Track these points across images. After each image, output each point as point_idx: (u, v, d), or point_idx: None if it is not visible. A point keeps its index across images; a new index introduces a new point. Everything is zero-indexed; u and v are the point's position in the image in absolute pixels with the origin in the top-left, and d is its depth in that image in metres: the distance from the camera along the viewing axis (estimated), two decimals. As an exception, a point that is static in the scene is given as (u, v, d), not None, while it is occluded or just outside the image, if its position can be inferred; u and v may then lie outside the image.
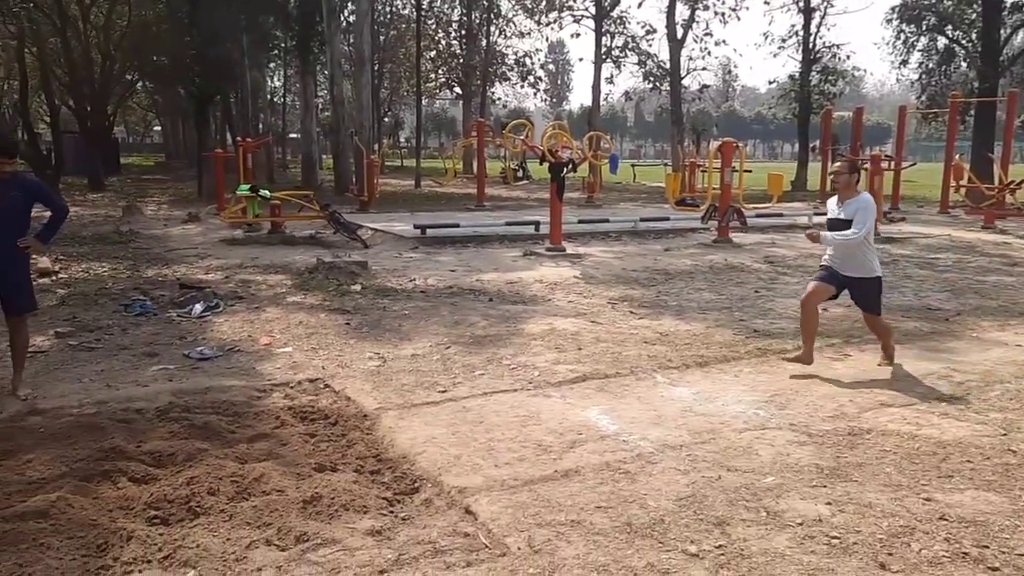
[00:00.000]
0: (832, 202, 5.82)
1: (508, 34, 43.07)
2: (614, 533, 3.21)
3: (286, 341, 6.59)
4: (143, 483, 3.71)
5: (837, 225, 5.61)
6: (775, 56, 77.05)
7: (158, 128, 65.83)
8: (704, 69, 63.25)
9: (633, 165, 31.78)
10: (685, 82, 33.52)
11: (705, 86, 36.63)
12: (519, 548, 3.08)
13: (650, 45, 43.56)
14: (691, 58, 33.71)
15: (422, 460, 4.01)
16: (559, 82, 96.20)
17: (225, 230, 14.56)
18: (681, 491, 3.61)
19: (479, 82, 41.56)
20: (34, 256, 5.25)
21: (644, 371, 5.67)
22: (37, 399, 4.91)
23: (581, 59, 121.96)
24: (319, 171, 27.90)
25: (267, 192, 14.38)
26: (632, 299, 8.53)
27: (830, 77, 31.41)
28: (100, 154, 26.71)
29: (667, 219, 16.09)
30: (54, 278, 9.30)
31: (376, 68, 35.41)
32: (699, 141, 28.09)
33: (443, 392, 5.18)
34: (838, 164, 5.82)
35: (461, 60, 42.23)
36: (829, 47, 31.73)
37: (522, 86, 45.52)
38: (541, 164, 13.17)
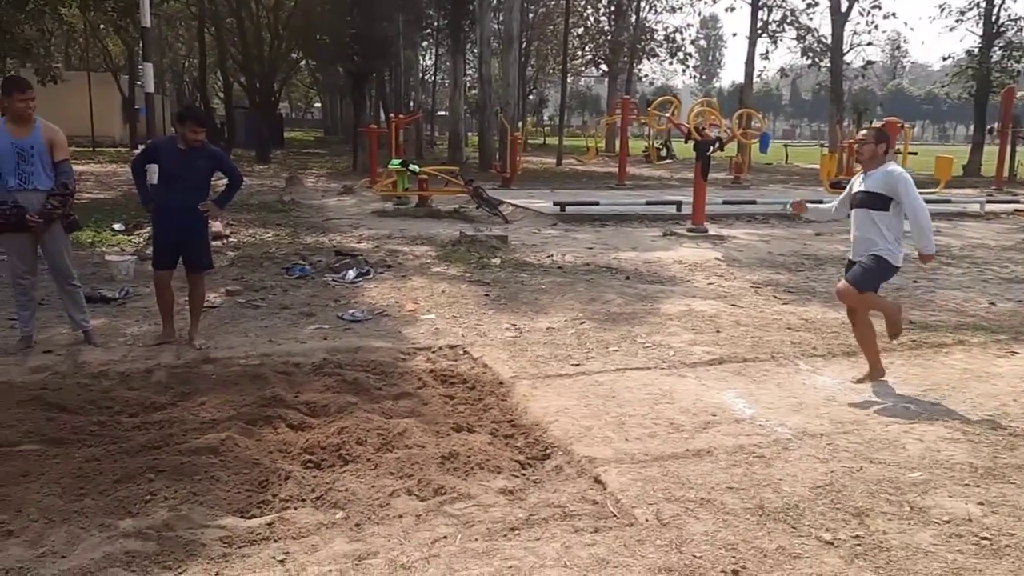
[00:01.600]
0: (856, 179, 5.14)
1: (659, 9, 42.17)
2: (745, 514, 3.18)
3: (429, 308, 6.88)
4: (299, 430, 4.04)
5: (866, 200, 4.91)
6: (951, 30, 70.76)
7: (318, 105, 69.53)
8: (869, 44, 59.30)
9: (786, 145, 30.41)
10: (847, 58, 31.59)
11: (870, 62, 34.31)
12: (647, 520, 3.12)
13: (810, 19, 41.27)
14: (855, 32, 31.85)
15: (554, 429, 4.11)
16: (710, 58, 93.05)
17: (376, 202, 15.27)
18: (818, 479, 3.51)
19: (626, 59, 40.97)
20: (209, 220, 5.77)
21: (786, 357, 5.50)
22: (210, 349, 5.41)
23: (735, 34, 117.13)
24: (464, 148, 28.58)
25: (416, 167, 14.94)
26: (777, 284, 8.24)
27: (1014, 53, 28.53)
28: (267, 128, 28.61)
29: (820, 202, 15.29)
30: (225, 241, 10.14)
31: (523, 46, 35.67)
32: (860, 121, 26.43)
33: (576, 366, 5.26)
34: (863, 133, 5.12)
35: (609, 36, 41.77)
36: (1015, 20, 28.83)
37: (671, 63, 44.53)
38: (686, 142, 12.89)
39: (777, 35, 33.12)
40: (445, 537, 2.98)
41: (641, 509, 3.21)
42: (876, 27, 32.94)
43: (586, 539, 2.97)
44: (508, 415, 4.39)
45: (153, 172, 5.60)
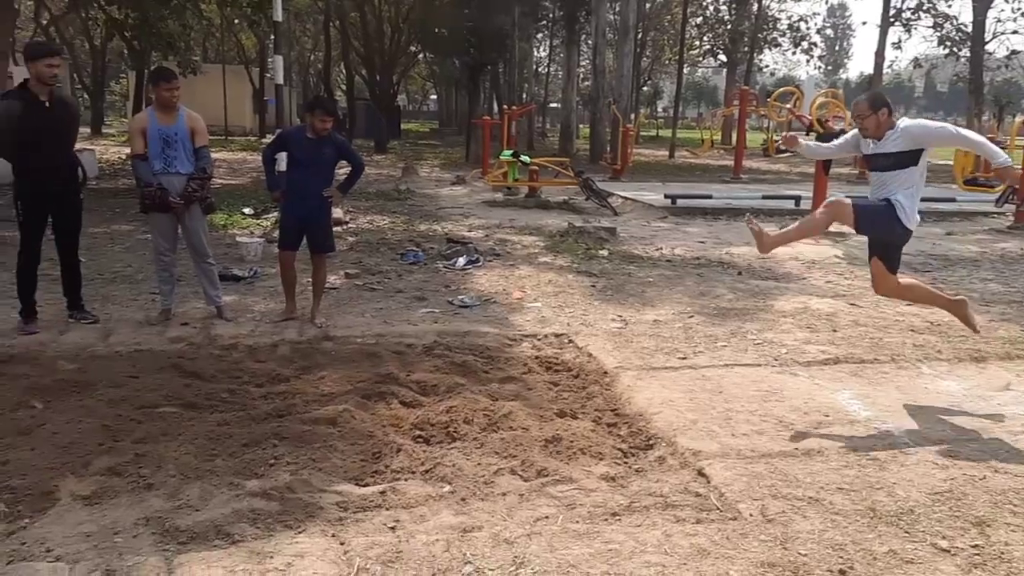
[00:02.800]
0: (861, 141, 4.64)
1: (783, -3, 40.50)
2: (855, 516, 3.08)
3: (536, 297, 6.97)
4: (411, 407, 4.21)
5: (889, 163, 4.44)
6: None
7: (434, 97, 71.06)
8: (1015, 32, 54.83)
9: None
10: (989, 47, 29.40)
11: (1015, 52, 31.82)
12: (751, 515, 3.08)
13: (949, 5, 38.58)
14: (999, 20, 29.53)
15: (658, 420, 4.10)
16: (837, 48, 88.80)
17: (487, 192, 15.51)
18: (936, 485, 3.36)
19: (746, 49, 39.68)
20: (332, 205, 6.07)
21: (907, 360, 5.25)
22: (330, 327, 5.70)
23: (864, 23, 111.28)
24: (575, 140, 28.55)
25: (527, 158, 15.08)
26: (900, 284, 7.84)
27: None
28: (385, 120, 29.54)
29: (953, 200, 14.41)
30: (345, 227, 10.58)
31: (639, 37, 35.19)
32: (1002, 115, 24.59)
33: (683, 359, 5.21)
34: (856, 104, 4.58)
35: (729, 26, 40.56)
36: None
37: (794, 53, 42.78)
38: (808, 135, 12.40)
39: (911, 23, 31.28)
40: (547, 517, 3.05)
41: (745, 504, 3.17)
42: (1023, 14, 30.35)
43: (687, 529, 2.97)
44: (612, 404, 4.42)
45: (282, 160, 5.93)
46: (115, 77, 42.49)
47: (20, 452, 3.46)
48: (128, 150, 16.07)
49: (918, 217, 4.54)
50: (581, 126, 35.91)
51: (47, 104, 5.26)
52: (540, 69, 49.31)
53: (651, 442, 3.90)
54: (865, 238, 4.93)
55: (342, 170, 5.87)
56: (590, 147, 25.65)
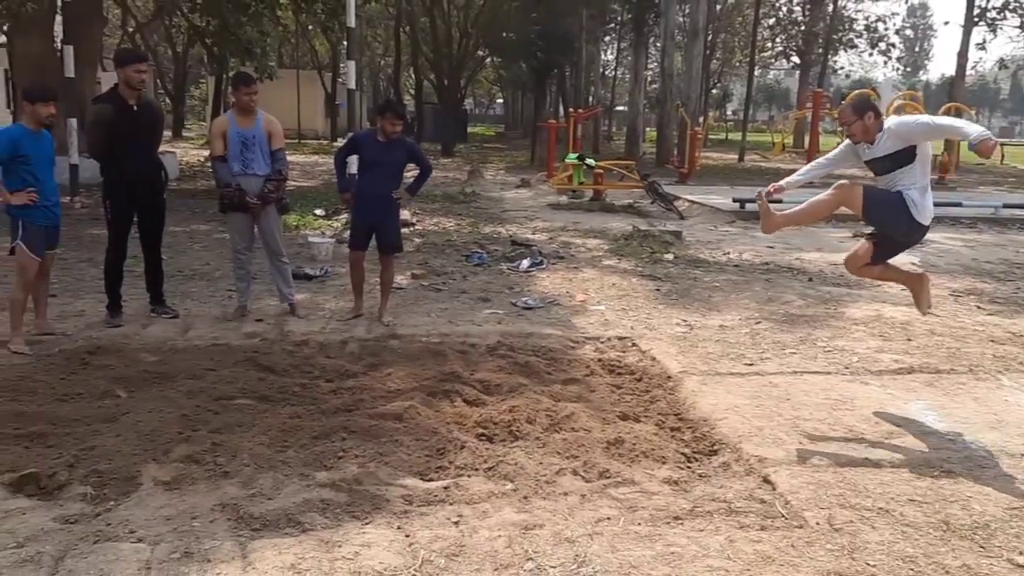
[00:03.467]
0: (855, 148, 4.46)
1: (860, -3, 39.39)
2: (927, 528, 3.00)
3: (599, 300, 6.96)
4: (474, 405, 4.27)
5: (887, 164, 4.28)
6: None
7: (500, 100, 71.51)
8: (1113, 30, 51.98)
9: (1001, 144, 27.43)
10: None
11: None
12: (818, 523, 3.03)
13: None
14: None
15: (722, 426, 4.06)
16: (916, 49, 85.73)
17: (552, 195, 15.54)
18: (1015, 500, 3.23)
19: (820, 50, 38.68)
20: (400, 207, 6.20)
21: (986, 371, 5.06)
22: (396, 326, 5.82)
23: (947, 23, 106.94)
24: (641, 143, 28.32)
25: (592, 161, 15.05)
26: (981, 293, 7.55)
27: None
28: (452, 123, 29.89)
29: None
30: (412, 228, 10.77)
31: (709, 39, 34.68)
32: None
33: (749, 365, 5.13)
34: (840, 111, 4.48)
35: (802, 27, 39.62)
36: None
37: (871, 54, 41.53)
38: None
39: (997, 23, 29.96)
40: (609, 518, 3.06)
41: (812, 512, 3.12)
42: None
43: (751, 536, 2.94)
44: (675, 408, 4.39)
45: (353, 163, 6.09)
46: (195, 82, 44.14)
47: (106, 438, 3.65)
48: (207, 152, 16.64)
49: (931, 210, 4.34)
50: (648, 129, 35.60)
51: (135, 107, 5.53)
52: (607, 72, 49.11)
53: (715, 448, 3.87)
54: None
55: (410, 172, 6.00)
56: (656, 150, 25.42)
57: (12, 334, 5.01)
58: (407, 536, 2.90)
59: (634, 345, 5.62)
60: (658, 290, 7.40)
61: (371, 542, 2.84)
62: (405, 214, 11.42)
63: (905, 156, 4.23)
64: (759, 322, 6.24)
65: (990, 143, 3.93)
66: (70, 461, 3.40)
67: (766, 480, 3.45)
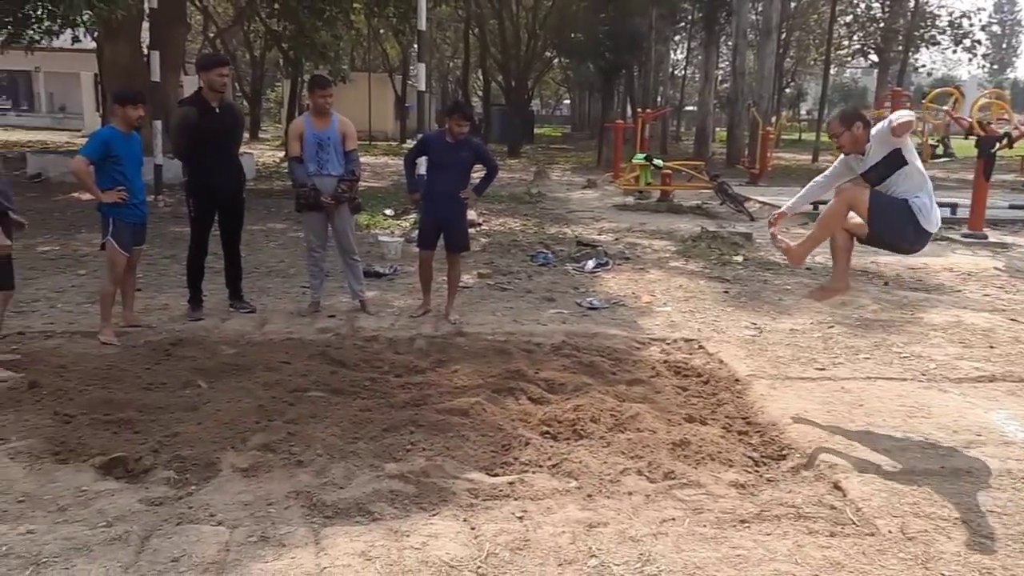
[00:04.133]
0: (850, 161, 4.28)
1: (943, -8, 37.80)
2: (1006, 540, 2.90)
3: (665, 301, 6.91)
4: (539, 403, 4.31)
5: (882, 171, 4.08)
6: None
7: (567, 101, 71.36)
8: None
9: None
10: None
11: None
12: (890, 531, 2.96)
13: None
14: None
15: (791, 431, 3.99)
16: (1004, 46, 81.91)
17: (618, 196, 15.46)
18: (1103, 516, 3.09)
19: (900, 47, 37.34)
20: (467, 206, 6.28)
21: (1075, 382, 4.83)
22: (463, 324, 5.91)
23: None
24: (711, 143, 27.88)
25: (660, 161, 14.91)
26: (1071, 300, 7.19)
27: None
28: (519, 124, 30.01)
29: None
30: (478, 228, 10.88)
31: (782, 37, 33.89)
32: None
33: (820, 370, 5.03)
34: (829, 125, 4.38)
35: (881, 24, 38.32)
36: None
37: (954, 51, 39.77)
38: (967, 138, 11.58)
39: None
40: (674, 519, 3.06)
41: (884, 520, 3.04)
42: None
43: (820, 541, 2.89)
44: (743, 412, 4.34)
45: (422, 164, 6.21)
46: (271, 85, 45.49)
47: (188, 426, 3.82)
48: (282, 154, 17.10)
49: (939, 217, 4.17)
50: (718, 129, 35.02)
51: (217, 110, 5.76)
52: (676, 72, 48.48)
53: (784, 452, 3.81)
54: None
55: (477, 173, 6.08)
56: (727, 151, 24.99)
57: (102, 325, 5.29)
58: (473, 529, 2.96)
59: (701, 347, 5.57)
60: (726, 292, 7.30)
61: (438, 533, 2.91)
62: (472, 214, 11.53)
63: (895, 159, 4.07)
64: (832, 326, 6.10)
65: (901, 122, 3.87)
66: (155, 447, 3.58)
67: (836, 486, 3.38)
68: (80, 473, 3.33)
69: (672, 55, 46.16)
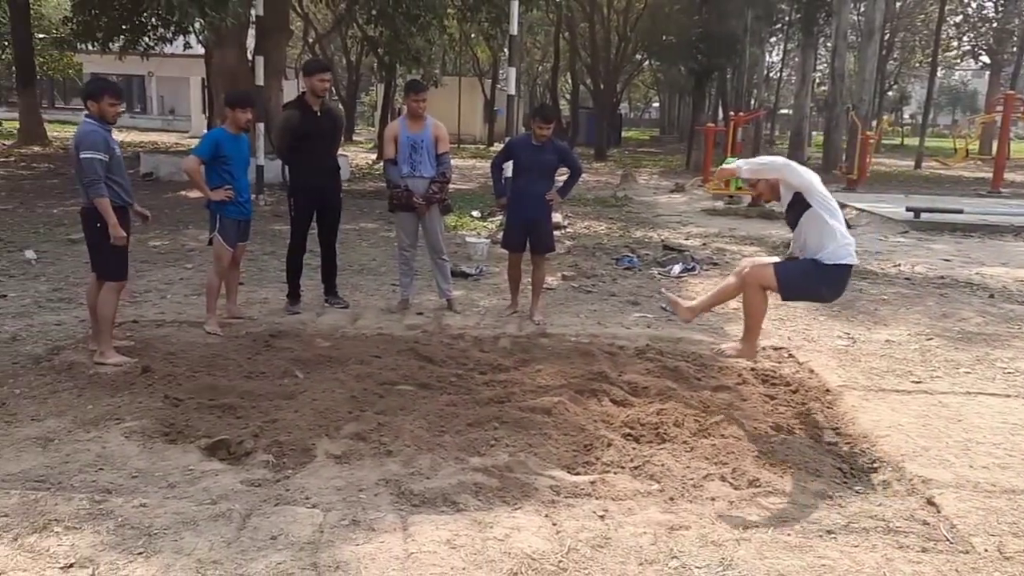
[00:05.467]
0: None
1: (1065, -12, 35.55)
2: (1116, 568, 2.75)
3: (755, 309, 6.78)
4: (621, 405, 4.32)
5: (791, 218, 4.19)
6: None
7: (656, 104, 70.56)
8: None
9: None
10: None
11: None
12: (986, 550, 2.85)
13: None
14: None
15: (884, 444, 3.88)
16: None
17: (707, 201, 15.22)
18: None
19: (1015, 49, 35.29)
20: (552, 208, 6.34)
21: None
22: (547, 325, 5.97)
23: None
24: (807, 147, 27.06)
25: (752, 166, 14.58)
26: None
27: None
28: (606, 127, 29.89)
29: None
30: (563, 231, 10.93)
31: (885, 38, 32.55)
32: None
33: (917, 383, 4.85)
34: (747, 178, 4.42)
35: (994, 24, 36.32)
36: None
37: (1074, 52, 37.24)
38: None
39: None
40: (757, 525, 3.03)
41: (980, 538, 2.93)
42: None
43: (911, 556, 2.81)
44: (833, 423, 4.24)
45: (508, 167, 6.32)
46: (365, 89, 46.78)
47: (285, 413, 4.02)
48: (374, 156, 17.59)
49: (850, 250, 4.12)
50: (814, 133, 33.93)
51: (318, 113, 6.01)
52: (771, 74, 47.21)
53: (875, 465, 3.70)
54: None
55: (561, 177, 6.13)
56: (823, 155, 24.21)
57: (207, 316, 5.60)
58: (554, 524, 3.01)
59: (790, 356, 5.46)
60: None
61: (520, 526, 2.98)
62: (557, 217, 11.60)
63: (798, 204, 4.14)
64: (930, 338, 5.87)
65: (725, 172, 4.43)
66: (255, 431, 3.79)
67: (930, 502, 3.27)
68: (187, 453, 3.57)
69: (768, 57, 44.95)
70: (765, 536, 2.93)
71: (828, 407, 4.45)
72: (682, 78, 31.69)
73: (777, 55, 46.39)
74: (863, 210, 13.34)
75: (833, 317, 6.50)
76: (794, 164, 4.22)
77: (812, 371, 5.09)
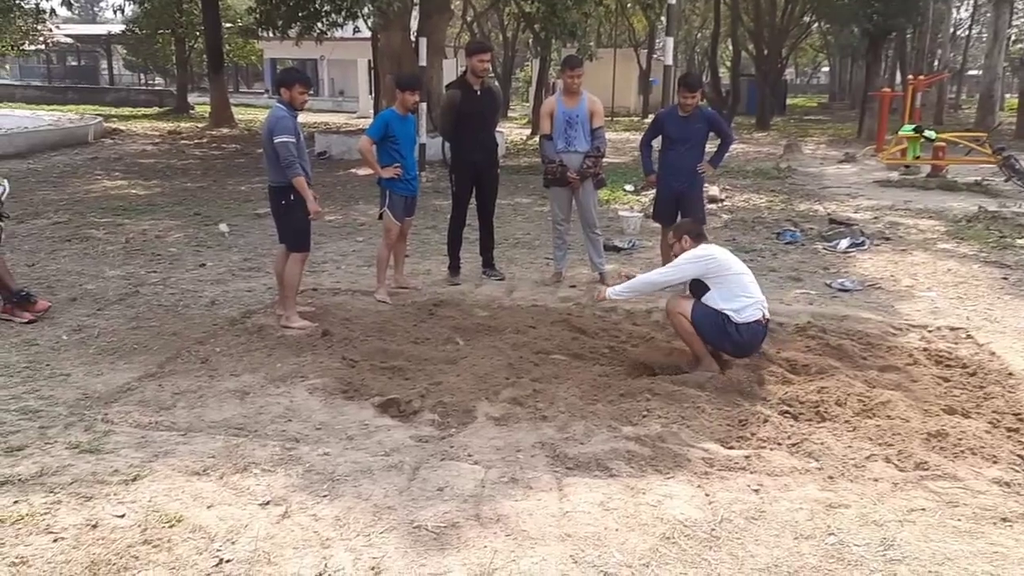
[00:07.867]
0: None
1: None
2: None
3: (930, 286, 6.37)
4: (779, 382, 4.24)
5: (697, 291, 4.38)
6: None
7: (825, 69, 66.33)
8: None
9: None
10: None
11: None
12: None
13: None
14: None
15: (1075, 433, 3.58)
16: None
17: (880, 171, 14.26)
18: None
19: None
20: (706, 184, 6.24)
21: None
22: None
23: None
24: (998, 111, 24.52)
25: (932, 133, 13.50)
26: None
27: None
28: (769, 95, 28.51)
29: None
30: (720, 205, 10.65)
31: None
32: None
33: (1121, 370, 4.40)
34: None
35: None
36: None
37: None
38: None
39: None
40: (924, 509, 2.92)
41: None
42: None
43: (1099, 553, 2.62)
44: (1015, 408, 3.94)
45: (657, 142, 6.28)
46: (520, 65, 47.25)
47: (448, 377, 4.28)
48: (528, 131, 17.88)
49: (754, 313, 4.26)
50: (1008, 96, 30.68)
51: (478, 92, 6.23)
52: (958, 32, 43.01)
53: (1062, 455, 3.43)
54: None
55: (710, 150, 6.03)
56: (1017, 121, 21.92)
57: (377, 286, 6.01)
58: (707, 495, 3.05)
59: (969, 337, 5.11)
60: (1005, 279, 6.56)
61: (673, 494, 3.04)
62: (714, 189, 11.33)
63: (698, 288, 4.37)
64: None
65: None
66: (422, 392, 4.07)
67: (1125, 497, 3.01)
68: (363, 410, 3.90)
69: (955, 13, 40.97)
70: (932, 520, 2.83)
71: (1010, 391, 4.15)
72: (855, 40, 29.54)
73: (966, 11, 42.21)
74: (1064, 180, 12.00)
75: (1020, 297, 5.99)
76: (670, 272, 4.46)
77: (993, 353, 4.75)
